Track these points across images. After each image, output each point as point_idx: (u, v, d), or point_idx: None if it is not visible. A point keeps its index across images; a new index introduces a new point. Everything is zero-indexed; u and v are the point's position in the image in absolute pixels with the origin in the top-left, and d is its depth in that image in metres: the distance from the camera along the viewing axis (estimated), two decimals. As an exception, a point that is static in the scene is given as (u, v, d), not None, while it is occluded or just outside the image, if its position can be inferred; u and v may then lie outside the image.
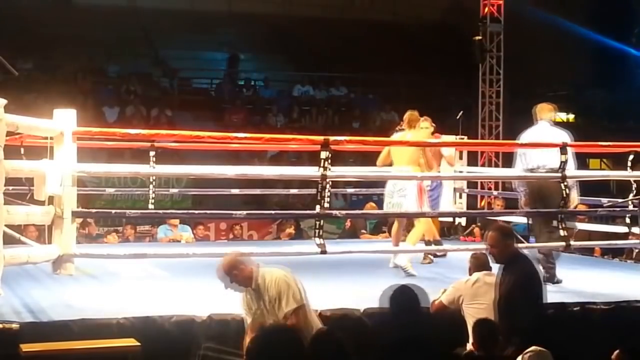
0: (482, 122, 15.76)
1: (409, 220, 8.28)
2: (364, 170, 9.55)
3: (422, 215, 10.29)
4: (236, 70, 20.11)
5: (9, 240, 6.36)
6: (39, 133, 6.61)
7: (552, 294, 6.83)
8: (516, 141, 7.74)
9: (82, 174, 6.78)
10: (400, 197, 8.03)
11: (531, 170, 7.51)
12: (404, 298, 5.38)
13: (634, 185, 8.15)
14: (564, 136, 7.50)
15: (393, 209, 8.10)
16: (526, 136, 7.65)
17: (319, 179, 6.78)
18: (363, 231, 12.31)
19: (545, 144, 7.47)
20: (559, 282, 7.22)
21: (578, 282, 7.40)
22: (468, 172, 10.90)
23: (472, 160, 12.04)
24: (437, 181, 9.15)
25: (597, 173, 13.71)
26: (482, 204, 14.48)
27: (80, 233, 9.50)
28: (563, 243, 7.49)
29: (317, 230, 6.88)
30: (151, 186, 9.31)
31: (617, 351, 4.83)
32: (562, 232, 7.38)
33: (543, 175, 7.47)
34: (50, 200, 6.34)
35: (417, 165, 8.10)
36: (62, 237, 6.32)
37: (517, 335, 5.07)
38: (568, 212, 7.82)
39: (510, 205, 12.01)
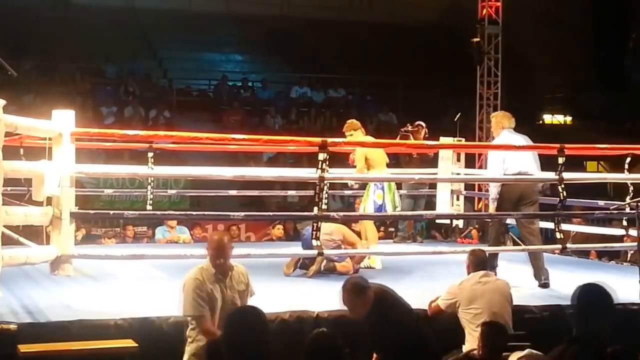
0: (479, 124, 15.72)
1: None
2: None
3: (419, 216, 10.35)
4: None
5: (7, 241, 6.37)
6: (37, 134, 6.61)
7: (549, 297, 6.88)
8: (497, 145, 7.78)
9: (80, 175, 6.79)
10: None
11: (512, 175, 7.60)
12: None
13: (631, 188, 8.16)
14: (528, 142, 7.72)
15: None
16: (515, 141, 7.68)
17: (316, 181, 6.79)
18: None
19: (536, 146, 7.54)
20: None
21: (574, 284, 7.39)
22: (465, 174, 10.90)
23: (470, 162, 12.02)
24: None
25: (594, 175, 13.78)
26: (480, 206, 14.47)
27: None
28: (559, 246, 7.52)
29: (314, 232, 6.90)
30: (149, 187, 9.32)
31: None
32: (558, 235, 7.41)
33: (539, 179, 7.49)
34: (49, 201, 6.35)
35: None
36: (60, 238, 6.32)
37: None
38: (565, 214, 7.85)
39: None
